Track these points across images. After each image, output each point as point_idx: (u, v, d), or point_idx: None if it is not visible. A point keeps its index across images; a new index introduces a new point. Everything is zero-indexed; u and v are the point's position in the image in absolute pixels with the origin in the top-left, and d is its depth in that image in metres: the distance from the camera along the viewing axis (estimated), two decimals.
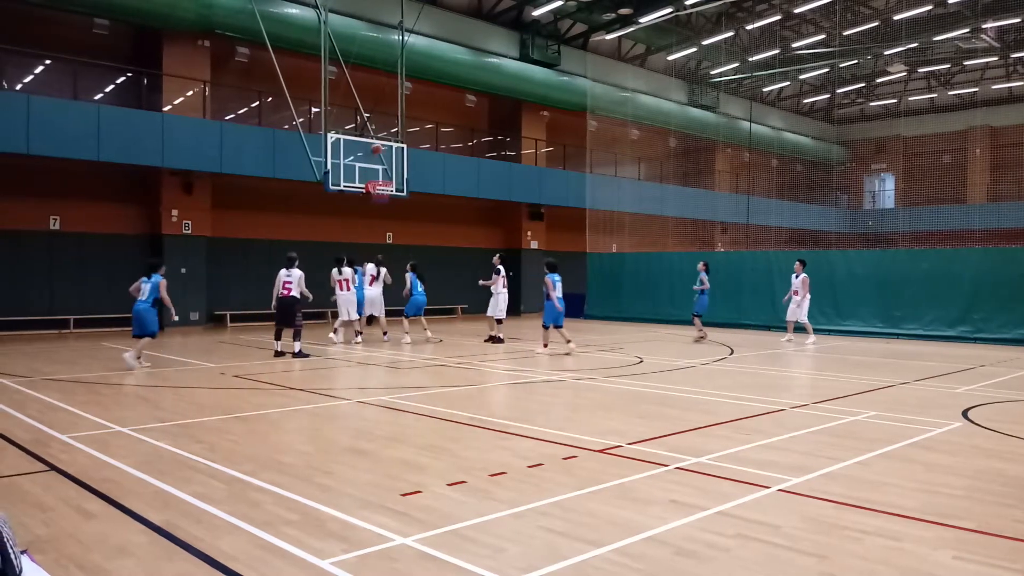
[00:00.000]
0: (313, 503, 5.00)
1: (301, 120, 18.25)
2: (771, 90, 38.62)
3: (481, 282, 16.97)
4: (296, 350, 13.58)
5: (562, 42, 27.92)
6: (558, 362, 13.20)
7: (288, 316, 13.65)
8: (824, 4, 27.09)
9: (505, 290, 16.70)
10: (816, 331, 19.12)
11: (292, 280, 13.59)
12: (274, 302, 13.79)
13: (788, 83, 37.59)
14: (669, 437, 7.13)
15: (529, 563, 4.00)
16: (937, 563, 4.06)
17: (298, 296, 13.66)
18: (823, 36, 30.72)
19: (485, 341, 16.59)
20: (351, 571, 3.90)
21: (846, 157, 42.64)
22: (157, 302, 12.08)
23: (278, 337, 13.80)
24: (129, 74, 20.49)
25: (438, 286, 22.28)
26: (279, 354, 13.63)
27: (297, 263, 13.80)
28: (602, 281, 24.90)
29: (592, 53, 29.50)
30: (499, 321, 16.58)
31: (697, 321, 17.22)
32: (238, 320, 21.27)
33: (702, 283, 17.11)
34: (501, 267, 16.65)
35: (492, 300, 16.63)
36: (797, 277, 16.65)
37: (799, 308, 16.61)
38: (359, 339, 16.33)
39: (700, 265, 17.31)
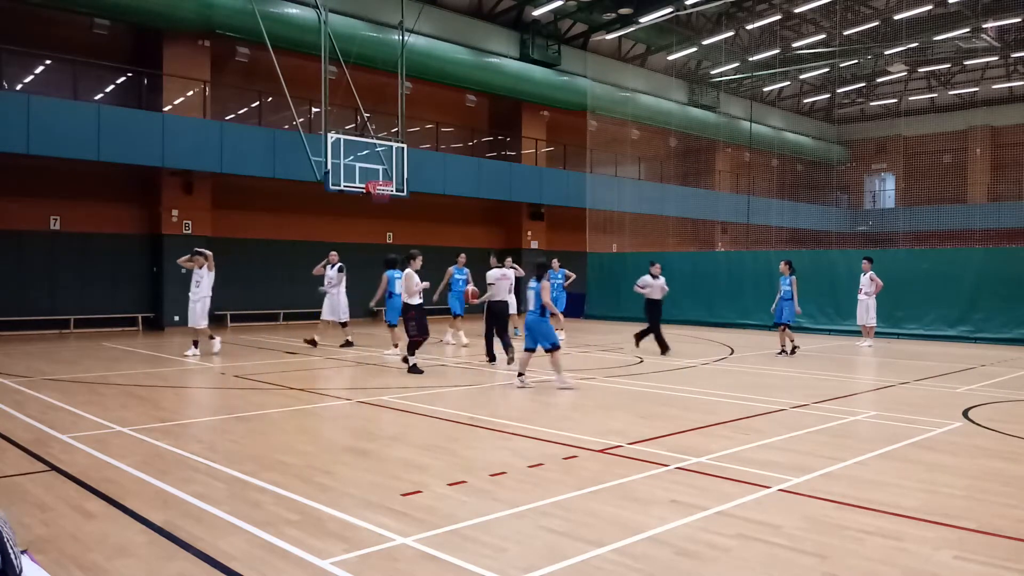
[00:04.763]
0: (313, 503, 5.00)
1: (301, 120, 18.24)
2: (771, 90, 38.61)
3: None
4: (411, 363, 11.67)
5: (562, 42, 27.92)
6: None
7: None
8: (824, 4, 27.09)
9: (339, 288, 15.71)
10: (817, 331, 19.17)
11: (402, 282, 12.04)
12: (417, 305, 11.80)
13: (788, 83, 37.59)
14: (670, 437, 7.13)
15: (530, 563, 3.99)
16: (938, 563, 4.05)
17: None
18: (823, 36, 30.74)
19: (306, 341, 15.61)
20: (352, 571, 3.89)
21: (846, 157, 42.64)
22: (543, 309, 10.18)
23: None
24: (129, 74, 20.47)
25: (437, 287, 22.23)
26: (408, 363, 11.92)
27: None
28: (602, 281, 24.88)
29: (592, 53, 29.49)
30: (328, 323, 15.75)
31: (788, 331, 14.51)
32: (238, 320, 21.27)
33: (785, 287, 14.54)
34: (341, 264, 15.81)
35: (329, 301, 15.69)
36: (865, 275, 16.05)
37: (867, 311, 15.98)
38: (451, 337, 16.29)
39: (782, 266, 14.65)
